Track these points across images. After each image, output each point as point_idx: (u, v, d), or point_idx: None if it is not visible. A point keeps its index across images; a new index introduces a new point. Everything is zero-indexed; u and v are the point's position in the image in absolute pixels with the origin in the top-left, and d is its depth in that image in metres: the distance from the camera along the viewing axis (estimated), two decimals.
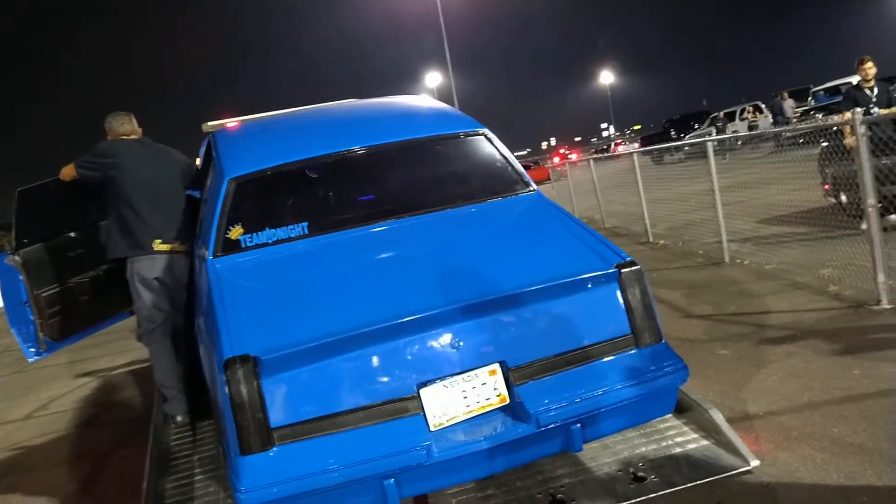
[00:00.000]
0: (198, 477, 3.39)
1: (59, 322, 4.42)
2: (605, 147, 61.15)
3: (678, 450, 2.98)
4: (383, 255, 3.17)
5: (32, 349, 4.27)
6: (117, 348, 8.04)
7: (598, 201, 12.13)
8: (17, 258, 4.21)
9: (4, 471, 4.75)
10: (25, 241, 4.30)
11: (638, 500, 2.69)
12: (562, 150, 58.44)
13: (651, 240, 8.97)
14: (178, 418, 4.07)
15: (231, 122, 4.28)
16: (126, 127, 4.15)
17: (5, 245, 4.88)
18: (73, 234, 4.57)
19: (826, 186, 7.12)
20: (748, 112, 24.88)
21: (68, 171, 4.13)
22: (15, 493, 4.21)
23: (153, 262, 3.94)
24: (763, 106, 25.27)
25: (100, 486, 4.10)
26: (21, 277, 4.21)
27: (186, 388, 4.09)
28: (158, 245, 3.93)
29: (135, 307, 4.10)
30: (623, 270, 2.75)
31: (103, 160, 3.99)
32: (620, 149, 37.27)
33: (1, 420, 6.17)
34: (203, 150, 4.35)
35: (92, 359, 7.91)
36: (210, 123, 4.35)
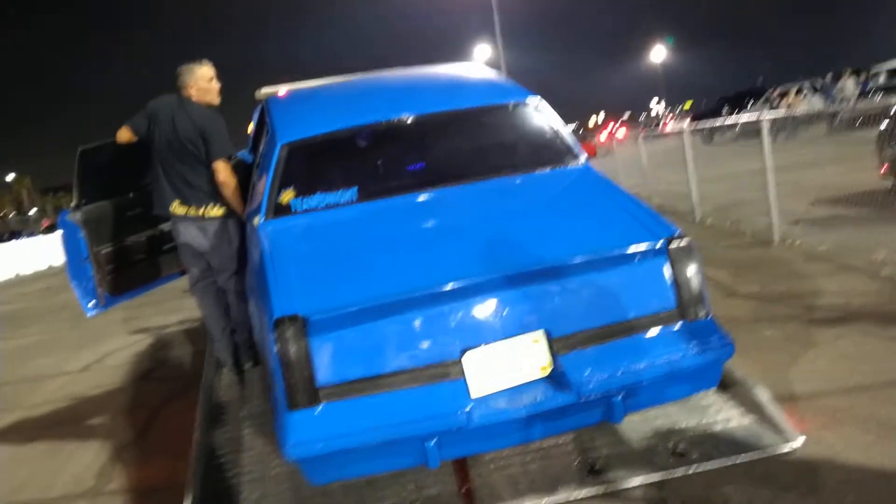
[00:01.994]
0: (246, 430, 3.51)
1: (117, 278, 4.59)
2: (654, 124, 59.71)
3: (720, 426, 2.96)
4: (431, 223, 3.21)
5: (91, 303, 4.44)
6: (171, 307, 8.29)
7: (644, 179, 11.94)
8: (77, 215, 4.37)
9: (61, 419, 4.99)
10: (85, 199, 4.46)
11: (677, 474, 2.69)
12: (609, 125, 57.28)
13: (698, 219, 8.82)
14: (225, 368, 4.31)
15: (284, 89, 4.33)
16: (179, 80, 4.00)
17: (65, 204, 5.07)
18: (131, 195, 4.71)
19: (884, 168, 6.91)
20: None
21: (123, 133, 4.08)
22: (70, 441, 4.42)
23: (176, 224, 4.06)
24: (819, 84, 24.28)
25: (152, 436, 4.28)
26: (82, 234, 4.37)
27: (232, 339, 4.30)
28: (175, 207, 4.00)
29: None
30: (672, 244, 2.74)
31: (143, 119, 4.00)
32: (669, 126, 36.40)
33: (59, 372, 6.45)
34: (256, 116, 4.42)
35: (146, 316, 8.18)
36: (263, 90, 4.41)
